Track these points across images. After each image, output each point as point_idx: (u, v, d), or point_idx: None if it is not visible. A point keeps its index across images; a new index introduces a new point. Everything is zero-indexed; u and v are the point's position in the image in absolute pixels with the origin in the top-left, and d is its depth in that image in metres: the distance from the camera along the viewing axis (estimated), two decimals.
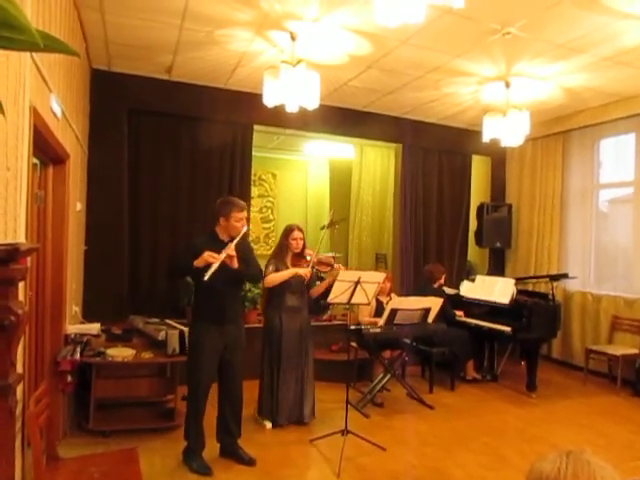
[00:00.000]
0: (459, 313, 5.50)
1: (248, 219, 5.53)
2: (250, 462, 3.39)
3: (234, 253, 3.16)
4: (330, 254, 6.45)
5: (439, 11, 3.44)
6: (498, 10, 3.44)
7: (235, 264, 3.19)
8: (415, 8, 2.82)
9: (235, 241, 3.20)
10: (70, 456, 2.68)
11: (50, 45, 0.76)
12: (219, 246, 3.18)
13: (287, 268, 4.01)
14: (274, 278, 3.93)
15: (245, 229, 3.33)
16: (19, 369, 1.91)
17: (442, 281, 5.54)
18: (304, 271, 3.92)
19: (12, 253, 1.31)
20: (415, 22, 3.07)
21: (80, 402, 3.86)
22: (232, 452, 3.45)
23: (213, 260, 3.07)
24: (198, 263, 3.11)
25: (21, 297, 1.90)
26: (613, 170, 5.96)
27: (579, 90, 5.07)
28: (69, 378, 3.38)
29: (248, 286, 5.16)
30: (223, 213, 3.33)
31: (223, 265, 3.10)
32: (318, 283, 4.32)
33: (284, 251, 4.06)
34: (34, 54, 2.31)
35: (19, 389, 2.05)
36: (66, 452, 2.86)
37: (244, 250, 3.36)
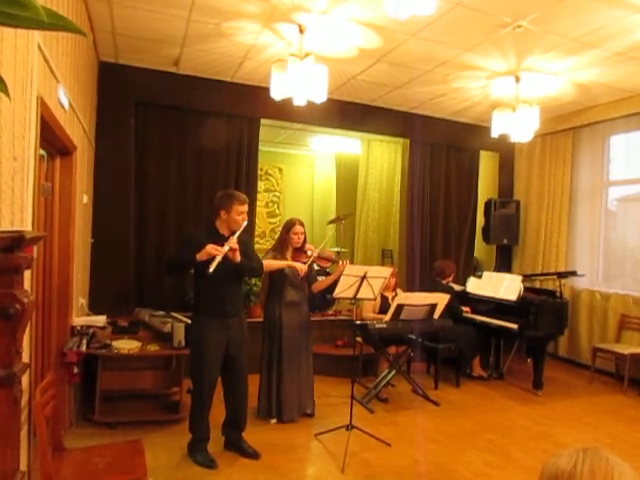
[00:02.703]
0: (466, 309, 5.47)
1: (253, 213, 5.58)
2: (254, 455, 3.39)
3: (237, 246, 3.14)
4: (336, 249, 6.47)
5: (450, 3, 3.40)
6: (510, 2, 3.39)
7: (237, 257, 3.18)
8: (425, 0, 2.79)
9: (237, 234, 3.18)
10: (76, 447, 2.69)
11: (55, 23, 0.74)
12: (220, 240, 3.16)
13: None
14: (269, 264, 3.90)
15: (245, 223, 3.29)
16: (25, 359, 1.91)
17: (451, 278, 5.52)
18: (299, 265, 3.90)
19: (17, 240, 1.30)
20: (425, 14, 3.04)
21: (86, 394, 3.88)
22: (236, 445, 3.45)
23: (217, 252, 3.05)
24: (201, 257, 3.08)
25: (27, 286, 1.91)
26: (623, 167, 5.89)
27: (590, 86, 5.00)
28: (75, 370, 3.40)
29: (254, 280, 5.16)
30: (224, 206, 3.29)
31: (225, 258, 3.09)
32: (320, 278, 4.29)
33: (284, 245, 4.05)
34: (42, 45, 2.31)
35: (25, 379, 2.06)
36: (72, 443, 2.88)
37: (245, 244, 3.34)
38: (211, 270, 3.00)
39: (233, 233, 3.21)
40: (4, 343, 1.35)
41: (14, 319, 1.34)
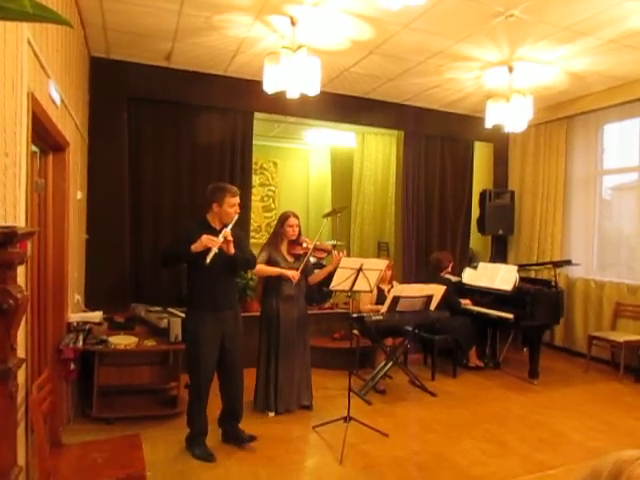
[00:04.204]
0: (465, 301, 5.47)
1: (248, 207, 5.57)
2: (251, 439, 3.42)
3: (231, 237, 3.14)
4: (332, 242, 6.47)
5: None
6: None
7: (231, 249, 3.17)
8: None
9: (230, 226, 3.18)
10: (73, 442, 2.69)
11: (41, 15, 0.74)
12: (212, 234, 3.15)
13: (282, 255, 4.03)
14: (262, 270, 3.94)
15: (237, 215, 3.28)
16: (21, 355, 1.90)
17: (449, 269, 5.53)
18: (291, 273, 3.91)
19: (9, 236, 1.29)
20: (417, 4, 3.04)
21: (83, 390, 3.88)
22: (233, 435, 3.47)
23: (212, 243, 3.05)
24: (196, 248, 3.08)
25: (21, 282, 1.90)
26: (617, 156, 5.91)
27: (583, 74, 5.00)
28: (72, 366, 3.39)
29: (250, 274, 5.16)
30: (215, 199, 3.28)
31: (219, 250, 3.08)
32: (317, 271, 4.30)
33: (279, 238, 4.06)
34: (32, 40, 2.29)
35: (21, 376, 2.06)
36: (70, 439, 2.88)
37: (238, 237, 3.32)
38: (208, 261, 3.00)
39: (225, 226, 3.21)
40: None
41: (8, 314, 1.33)
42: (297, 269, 3.93)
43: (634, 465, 0.85)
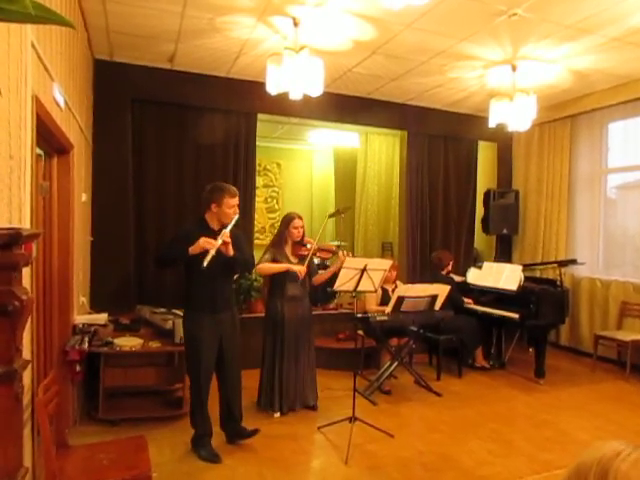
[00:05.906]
0: (468, 300, 5.47)
1: (252, 208, 5.58)
2: (254, 432, 3.42)
3: (229, 240, 3.12)
4: (336, 243, 6.47)
5: None
6: None
7: (230, 251, 3.16)
8: None
9: (229, 227, 3.16)
10: (79, 444, 2.70)
11: (44, 16, 0.74)
12: (210, 234, 3.14)
13: (286, 257, 4.03)
14: (267, 268, 3.94)
15: (237, 216, 3.27)
16: (26, 357, 1.91)
17: (450, 268, 5.52)
18: (298, 268, 3.91)
19: (14, 237, 1.30)
20: (419, 4, 3.03)
21: (89, 391, 3.89)
22: (235, 434, 3.47)
23: (210, 246, 3.03)
24: (194, 250, 3.07)
25: (27, 284, 1.91)
26: (622, 154, 5.88)
27: (587, 73, 4.98)
28: (78, 367, 3.40)
29: (254, 275, 5.16)
30: (214, 199, 3.27)
31: (218, 252, 3.06)
32: (320, 272, 4.30)
33: (283, 240, 4.07)
34: (36, 43, 2.30)
35: (27, 377, 2.06)
36: (76, 441, 2.88)
37: (236, 238, 3.30)
38: (205, 265, 2.98)
39: (223, 226, 3.19)
40: (4, 340, 1.35)
41: (13, 316, 1.34)
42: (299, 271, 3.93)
43: (618, 460, 0.85)
